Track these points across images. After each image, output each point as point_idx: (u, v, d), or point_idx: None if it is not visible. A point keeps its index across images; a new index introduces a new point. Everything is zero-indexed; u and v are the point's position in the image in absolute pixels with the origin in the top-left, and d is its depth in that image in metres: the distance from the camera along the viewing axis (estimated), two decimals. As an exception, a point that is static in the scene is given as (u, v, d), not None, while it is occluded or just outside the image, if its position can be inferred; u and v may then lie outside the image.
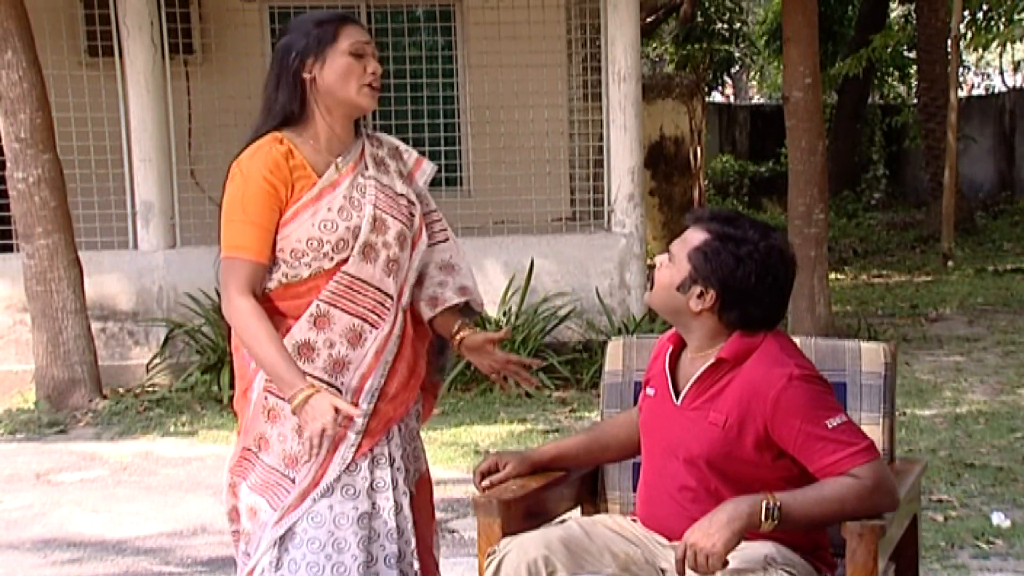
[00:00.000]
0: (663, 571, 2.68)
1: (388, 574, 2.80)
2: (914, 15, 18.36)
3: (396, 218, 2.84)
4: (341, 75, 2.76)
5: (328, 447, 2.75)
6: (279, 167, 2.74)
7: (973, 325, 9.74)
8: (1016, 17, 14.96)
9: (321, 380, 2.76)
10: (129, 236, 8.32)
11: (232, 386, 7.56)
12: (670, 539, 2.67)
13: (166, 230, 8.21)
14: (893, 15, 22.20)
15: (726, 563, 2.42)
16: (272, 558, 2.78)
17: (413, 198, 2.91)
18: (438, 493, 3.37)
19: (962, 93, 21.07)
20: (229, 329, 2.89)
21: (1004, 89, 24.89)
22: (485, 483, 2.87)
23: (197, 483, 5.84)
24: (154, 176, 8.14)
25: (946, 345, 8.87)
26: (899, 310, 10.66)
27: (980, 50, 18.49)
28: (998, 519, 4.70)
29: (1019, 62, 24.55)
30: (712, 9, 21.38)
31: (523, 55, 8.66)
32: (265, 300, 2.79)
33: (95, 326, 7.74)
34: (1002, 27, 15.39)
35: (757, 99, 30.01)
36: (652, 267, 2.84)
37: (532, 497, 2.85)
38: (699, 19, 20.87)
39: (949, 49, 14.29)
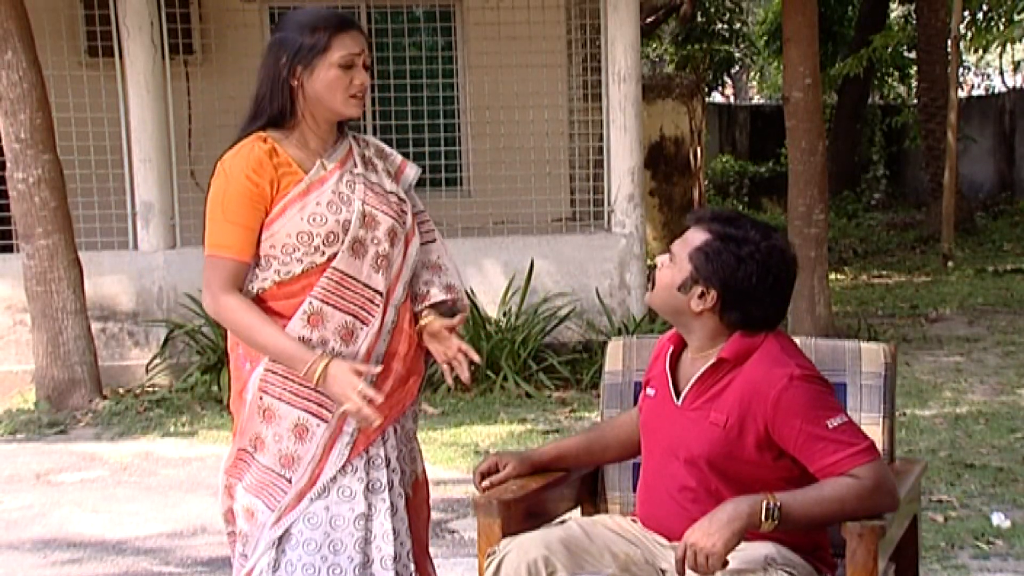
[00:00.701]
0: (663, 571, 2.68)
1: (384, 575, 2.80)
2: (914, 15, 18.36)
3: (386, 214, 2.84)
4: (327, 87, 2.77)
5: (325, 444, 2.76)
6: (262, 165, 2.76)
7: (973, 325, 9.74)
8: (1016, 17, 14.95)
9: None
10: (129, 236, 8.32)
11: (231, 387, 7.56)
12: (670, 539, 2.67)
13: (166, 230, 8.21)
14: (893, 15, 22.20)
15: (726, 563, 2.42)
16: (270, 559, 2.79)
17: (403, 196, 2.92)
18: (438, 493, 3.38)
19: (962, 93, 21.07)
20: (227, 329, 2.90)
21: (1004, 89, 24.89)
22: (485, 483, 2.87)
23: (197, 483, 5.84)
24: (154, 176, 8.14)
25: (946, 345, 8.87)
26: (899, 310, 10.66)
27: (980, 50, 18.48)
28: (998, 519, 4.70)
29: (1019, 62, 24.55)
30: (712, 9, 21.38)
31: (523, 55, 8.66)
32: (259, 302, 2.79)
33: (95, 326, 7.74)
34: (1002, 27, 15.38)
35: (757, 99, 30.02)
36: (653, 267, 2.84)
37: (532, 497, 2.85)
38: (699, 19, 20.87)
39: (949, 49, 14.28)
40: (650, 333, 2.96)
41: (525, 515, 2.80)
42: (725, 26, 21.85)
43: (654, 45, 22.10)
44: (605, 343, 3.28)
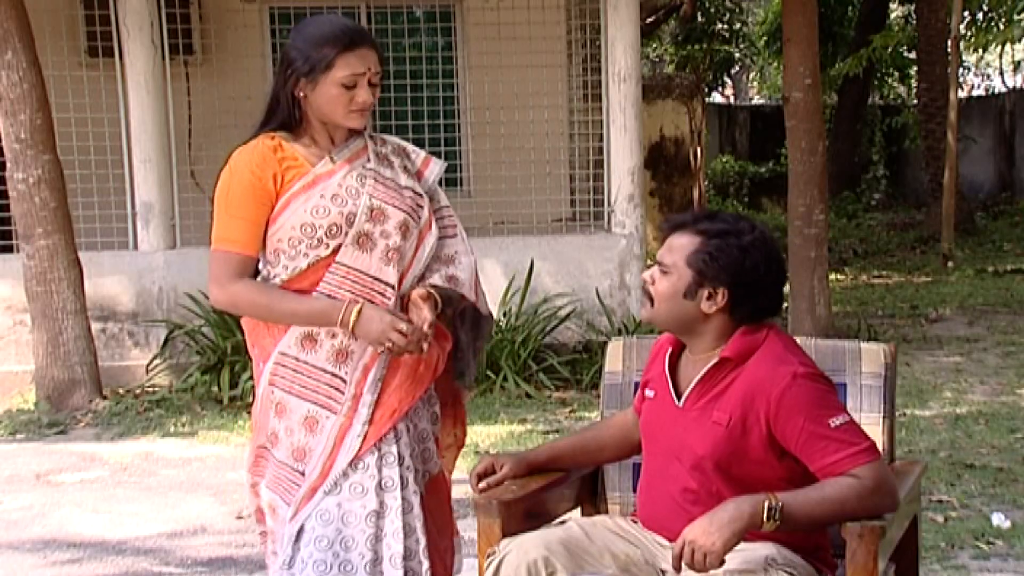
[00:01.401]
0: (663, 572, 2.68)
1: (394, 573, 2.80)
2: (914, 15, 18.37)
3: (398, 208, 2.84)
4: (327, 102, 2.79)
5: (335, 436, 2.78)
6: (266, 160, 2.78)
7: (973, 326, 9.74)
8: (1016, 17, 14.95)
9: (325, 370, 2.80)
10: (129, 237, 8.31)
11: (232, 386, 7.61)
12: (671, 540, 2.67)
13: (166, 231, 8.21)
14: (893, 15, 22.21)
15: (722, 562, 2.42)
16: (287, 556, 2.80)
17: (420, 191, 2.92)
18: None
19: (962, 94, 21.07)
20: (239, 328, 2.91)
21: (1004, 90, 24.89)
22: (482, 485, 2.87)
23: (197, 484, 5.84)
24: (154, 177, 8.14)
25: (946, 346, 8.87)
26: (899, 311, 10.66)
27: (980, 51, 18.50)
28: (998, 520, 4.70)
29: (1019, 63, 24.55)
30: (712, 10, 21.37)
31: (523, 56, 8.66)
32: None
33: (95, 327, 7.73)
34: (1002, 27, 15.39)
35: (757, 100, 30.02)
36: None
37: (532, 498, 2.85)
38: (699, 20, 20.87)
39: (949, 50, 14.28)
40: (650, 333, 2.95)
41: (525, 515, 2.80)
42: (725, 26, 21.84)
43: (654, 45, 22.10)
44: (605, 343, 3.29)
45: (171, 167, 8.30)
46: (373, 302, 2.81)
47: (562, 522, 2.85)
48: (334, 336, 2.79)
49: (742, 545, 2.47)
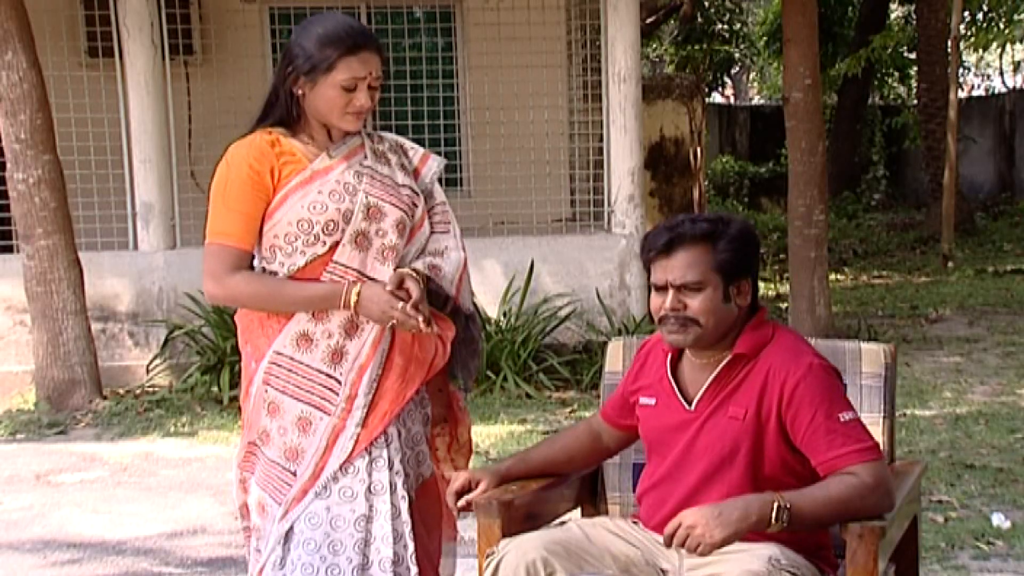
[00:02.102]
0: (664, 572, 2.68)
1: None
2: (914, 16, 18.36)
3: (395, 206, 2.84)
4: (325, 103, 2.78)
5: (328, 437, 2.78)
6: (263, 154, 2.78)
7: (973, 326, 9.74)
8: (1016, 18, 14.96)
9: (320, 371, 2.79)
10: (129, 237, 8.31)
11: (232, 386, 7.60)
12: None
13: (166, 231, 8.21)
14: (893, 16, 22.20)
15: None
16: (277, 556, 2.80)
17: (417, 189, 2.92)
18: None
19: (962, 94, 21.07)
20: (231, 330, 2.91)
21: (1004, 90, 24.90)
22: (461, 503, 2.82)
23: (197, 484, 5.84)
24: (154, 177, 8.14)
25: (946, 346, 8.87)
26: (899, 311, 10.66)
27: (980, 51, 18.50)
28: (998, 520, 4.70)
29: (1019, 63, 24.55)
30: (712, 10, 21.39)
31: (523, 56, 8.66)
32: None
33: (95, 327, 7.73)
34: (1002, 27, 15.39)
35: (757, 100, 30.01)
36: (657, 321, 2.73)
37: (532, 498, 2.85)
38: (699, 20, 20.87)
39: (949, 50, 14.28)
40: (650, 334, 2.94)
41: (525, 516, 2.80)
42: (725, 27, 21.85)
43: (654, 46, 22.10)
44: (605, 344, 3.29)
45: (171, 167, 8.30)
46: None
47: (562, 523, 2.85)
48: (330, 336, 2.79)
49: (745, 545, 2.47)
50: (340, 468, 2.79)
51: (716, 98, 26.36)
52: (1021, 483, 5.28)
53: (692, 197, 14.29)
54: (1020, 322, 9.78)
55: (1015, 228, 16.44)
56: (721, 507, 2.44)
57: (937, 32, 15.42)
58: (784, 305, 9.38)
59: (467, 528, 4.91)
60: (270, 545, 2.82)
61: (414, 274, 2.79)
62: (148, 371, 7.96)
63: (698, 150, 14.55)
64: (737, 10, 22.31)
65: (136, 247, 8.25)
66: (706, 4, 20.99)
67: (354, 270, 2.80)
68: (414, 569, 2.84)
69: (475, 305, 3.07)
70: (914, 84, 19.67)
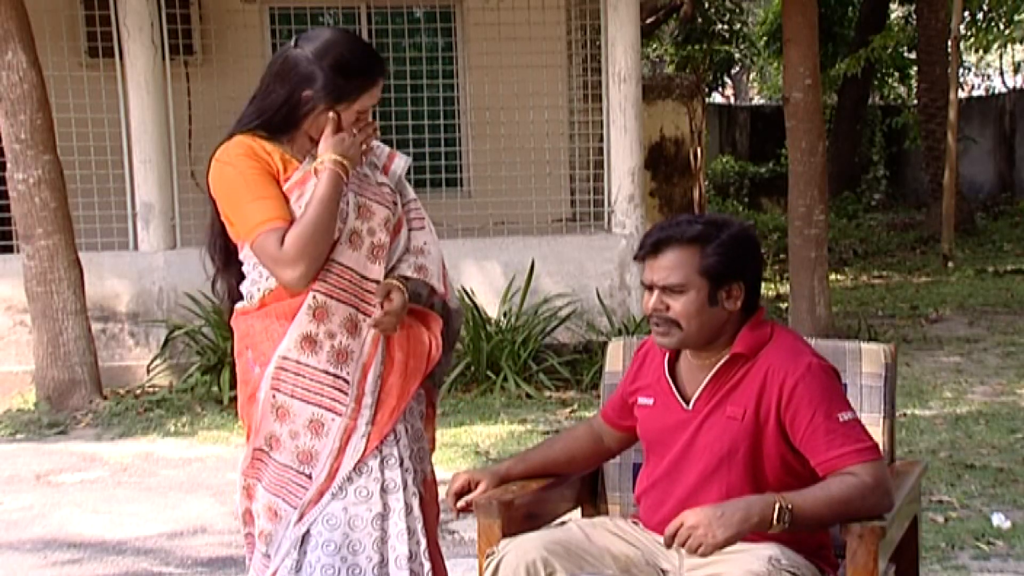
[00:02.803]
0: (664, 572, 2.68)
1: (399, 575, 2.81)
2: (914, 16, 18.37)
3: (381, 204, 2.86)
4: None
5: (341, 438, 2.79)
6: (255, 151, 2.78)
7: (973, 326, 9.74)
8: (1016, 18, 14.97)
9: (327, 372, 2.79)
10: (129, 237, 8.32)
11: (232, 387, 7.58)
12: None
13: (166, 231, 8.21)
14: (893, 16, 22.20)
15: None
16: (293, 560, 2.79)
17: (393, 187, 2.94)
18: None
19: (962, 94, 21.08)
20: (231, 331, 2.90)
21: (1004, 90, 24.91)
22: (461, 504, 2.83)
23: (197, 484, 5.84)
24: (154, 177, 8.14)
25: (946, 346, 8.87)
26: (899, 311, 10.66)
27: (980, 51, 18.50)
28: (998, 520, 4.70)
29: (1019, 63, 24.55)
30: (712, 10, 21.37)
31: (523, 56, 8.66)
32: (265, 304, 2.80)
33: (95, 327, 7.74)
34: (1002, 28, 15.40)
35: (757, 100, 30.02)
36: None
37: (532, 498, 2.85)
38: (699, 20, 20.87)
39: (949, 50, 14.29)
40: (650, 334, 2.94)
41: (525, 516, 2.80)
42: (725, 27, 21.85)
43: (654, 46, 22.11)
44: (605, 344, 3.29)
45: (171, 167, 8.30)
46: (366, 301, 2.81)
47: (562, 523, 2.85)
48: (332, 336, 2.79)
49: (746, 545, 2.47)
50: (354, 469, 2.80)
51: (716, 98, 26.36)
52: (1021, 483, 5.28)
53: (692, 197, 14.30)
54: (1020, 322, 9.78)
55: (1015, 228, 16.44)
56: (723, 508, 2.44)
57: (937, 32, 15.42)
58: (784, 305, 9.38)
59: (467, 528, 4.92)
60: (284, 549, 2.81)
61: (398, 284, 2.82)
62: (148, 371, 7.97)
63: (698, 150, 14.55)
64: (737, 10, 22.30)
65: (136, 247, 8.26)
66: (706, 4, 20.98)
67: (350, 269, 2.80)
68: (427, 564, 2.85)
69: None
70: (914, 84, 19.68)
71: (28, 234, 7.31)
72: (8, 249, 8.16)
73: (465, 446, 6.30)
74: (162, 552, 4.83)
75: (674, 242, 2.65)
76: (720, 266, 2.63)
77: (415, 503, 2.87)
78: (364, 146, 2.85)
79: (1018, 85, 25.06)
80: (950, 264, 13.42)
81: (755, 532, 2.46)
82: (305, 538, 2.81)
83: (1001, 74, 27.76)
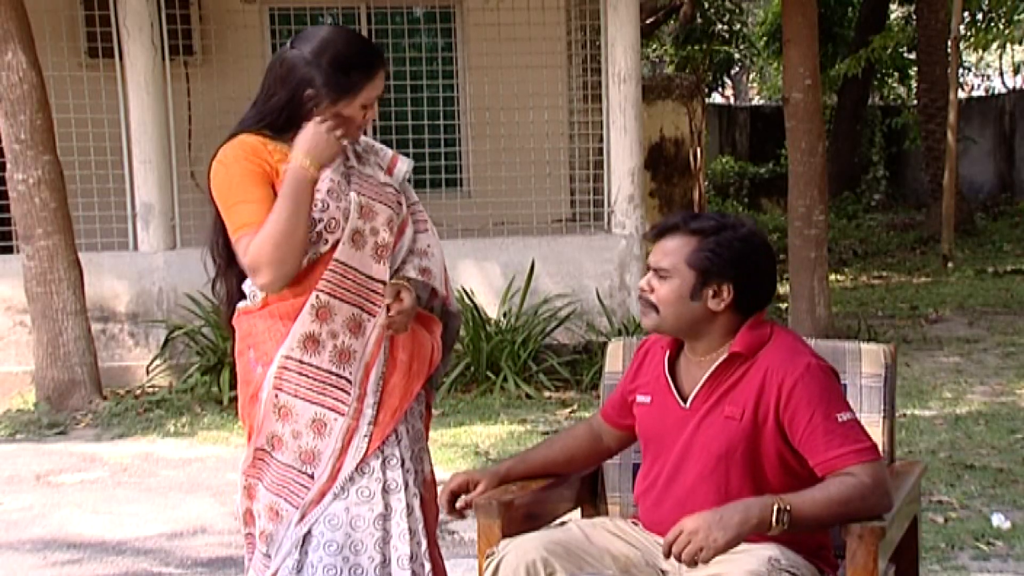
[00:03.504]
0: (664, 572, 2.68)
1: (401, 575, 2.81)
2: (914, 16, 18.37)
3: (384, 204, 2.86)
4: (341, 123, 2.80)
5: (344, 438, 2.79)
6: (257, 151, 2.78)
7: (973, 326, 9.74)
8: (1016, 18, 14.96)
9: (330, 372, 2.79)
10: (129, 237, 8.32)
11: (232, 387, 7.59)
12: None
13: (166, 231, 8.21)
14: (893, 16, 22.21)
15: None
16: (294, 561, 2.80)
17: (398, 188, 2.94)
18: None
19: (962, 94, 21.08)
20: (233, 332, 2.90)
21: (1004, 91, 24.90)
22: (460, 504, 2.82)
23: (197, 484, 5.84)
24: (154, 177, 8.14)
25: (946, 346, 8.87)
26: (899, 311, 10.66)
27: (980, 51, 18.49)
28: (998, 521, 4.70)
29: (1019, 63, 24.55)
30: (712, 10, 21.38)
31: (523, 56, 8.66)
32: (268, 304, 2.80)
33: (95, 327, 7.74)
34: (1002, 28, 15.39)
35: (757, 100, 30.02)
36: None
37: (532, 499, 2.85)
38: (699, 20, 20.87)
39: (949, 50, 14.29)
40: (650, 334, 2.94)
41: (525, 516, 2.80)
42: (725, 27, 21.85)
43: (654, 46, 22.11)
44: (605, 344, 3.29)
45: (171, 168, 8.31)
46: (370, 300, 2.81)
47: (562, 523, 2.85)
48: (335, 336, 2.79)
49: (745, 546, 2.47)
50: (356, 469, 2.81)
51: (716, 98, 26.37)
52: (1021, 483, 5.28)
53: (692, 197, 14.31)
54: (1020, 322, 9.78)
55: (1015, 228, 16.45)
56: (721, 511, 2.44)
57: (937, 32, 15.42)
58: (784, 305, 9.38)
59: (467, 528, 4.92)
60: (285, 549, 2.81)
61: (407, 284, 2.83)
62: (148, 371, 7.97)
63: (698, 150, 14.56)
64: (737, 10, 22.30)
65: (136, 247, 8.26)
66: (706, 4, 20.99)
67: (353, 268, 2.80)
68: (428, 565, 2.85)
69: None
70: (914, 84, 19.68)
71: (28, 234, 7.31)
72: (8, 249, 8.16)
73: (465, 446, 6.30)
74: (162, 552, 4.83)
75: (678, 230, 2.68)
76: (708, 262, 2.63)
77: (416, 503, 2.87)
78: (345, 141, 2.82)
79: (1018, 85, 25.06)
80: (950, 264, 13.42)
81: (756, 534, 2.45)
82: (307, 538, 2.81)
83: (1001, 74, 27.77)
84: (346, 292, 2.80)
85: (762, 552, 2.51)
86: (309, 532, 2.80)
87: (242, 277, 2.88)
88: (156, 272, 8.15)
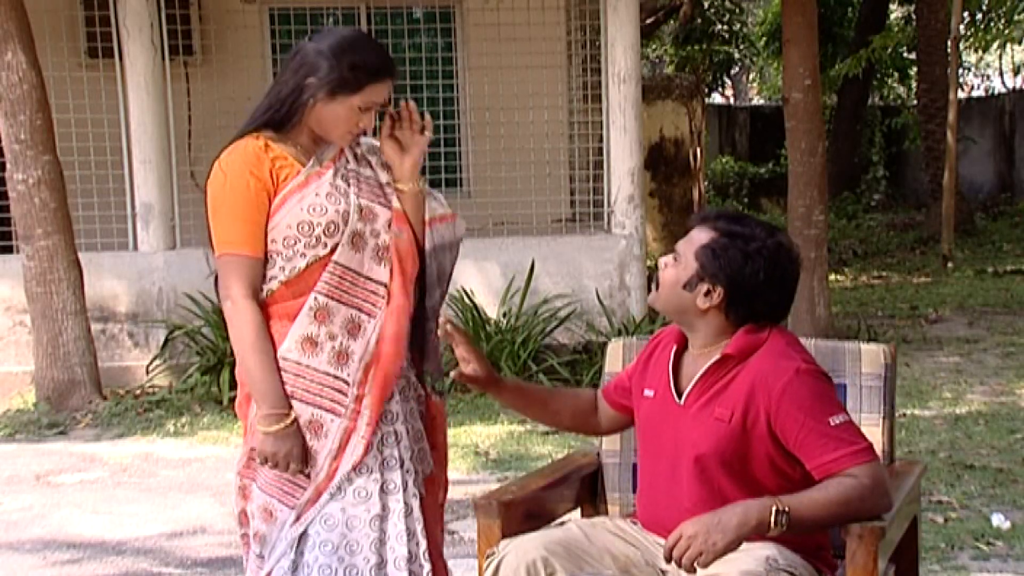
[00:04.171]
0: (664, 572, 2.68)
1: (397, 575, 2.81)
2: (914, 16, 18.37)
3: (384, 205, 2.87)
4: (334, 119, 2.80)
5: (340, 438, 2.78)
6: (259, 159, 2.78)
7: (973, 326, 9.74)
8: (1016, 18, 14.96)
9: (328, 373, 2.78)
10: (129, 237, 8.32)
11: (232, 387, 7.59)
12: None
13: (166, 231, 8.21)
14: (893, 16, 22.21)
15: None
16: (289, 561, 2.79)
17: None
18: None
19: (962, 94, 21.07)
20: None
21: (1004, 91, 24.90)
22: (454, 374, 2.94)
23: (196, 484, 5.84)
24: (154, 177, 8.14)
25: (946, 346, 8.87)
26: (899, 311, 10.66)
27: (980, 51, 18.50)
28: (998, 520, 4.70)
29: (1019, 63, 24.55)
30: (712, 10, 21.39)
31: (523, 56, 8.66)
32: (266, 306, 2.80)
33: (95, 327, 7.74)
34: (1002, 28, 15.39)
35: (757, 100, 30.02)
36: (653, 269, 2.85)
37: (532, 498, 2.86)
38: (699, 20, 20.88)
39: (949, 50, 14.29)
40: (650, 334, 2.95)
41: (525, 516, 2.80)
42: (725, 27, 21.85)
43: (654, 46, 22.11)
44: (605, 344, 3.29)
45: (171, 168, 8.31)
46: (369, 302, 2.81)
47: (562, 523, 2.85)
48: (333, 338, 2.79)
49: (743, 546, 2.47)
50: (353, 469, 2.80)
51: (716, 98, 26.36)
52: (1021, 483, 5.28)
53: (692, 197, 14.30)
54: (1020, 322, 9.79)
55: (1015, 228, 16.45)
56: (719, 514, 2.44)
57: (937, 32, 15.42)
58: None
59: (467, 528, 4.92)
60: (280, 550, 2.80)
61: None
62: (148, 371, 7.97)
63: (698, 150, 14.55)
64: (737, 10, 22.31)
65: (136, 248, 8.26)
66: (706, 5, 20.99)
67: (352, 271, 2.81)
68: (427, 566, 2.85)
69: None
70: (914, 84, 19.68)
71: (28, 234, 7.31)
72: (8, 249, 8.16)
73: (465, 446, 6.29)
74: (162, 552, 4.84)
75: (709, 222, 2.72)
76: (707, 259, 2.65)
77: (415, 504, 2.86)
78: (342, 143, 2.85)
79: (1018, 85, 25.06)
80: (950, 264, 13.42)
81: (754, 535, 2.45)
82: (302, 539, 2.80)
83: (1001, 74, 27.77)
84: (344, 294, 2.79)
85: (760, 552, 2.51)
86: (305, 532, 2.80)
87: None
88: (156, 272, 8.16)
